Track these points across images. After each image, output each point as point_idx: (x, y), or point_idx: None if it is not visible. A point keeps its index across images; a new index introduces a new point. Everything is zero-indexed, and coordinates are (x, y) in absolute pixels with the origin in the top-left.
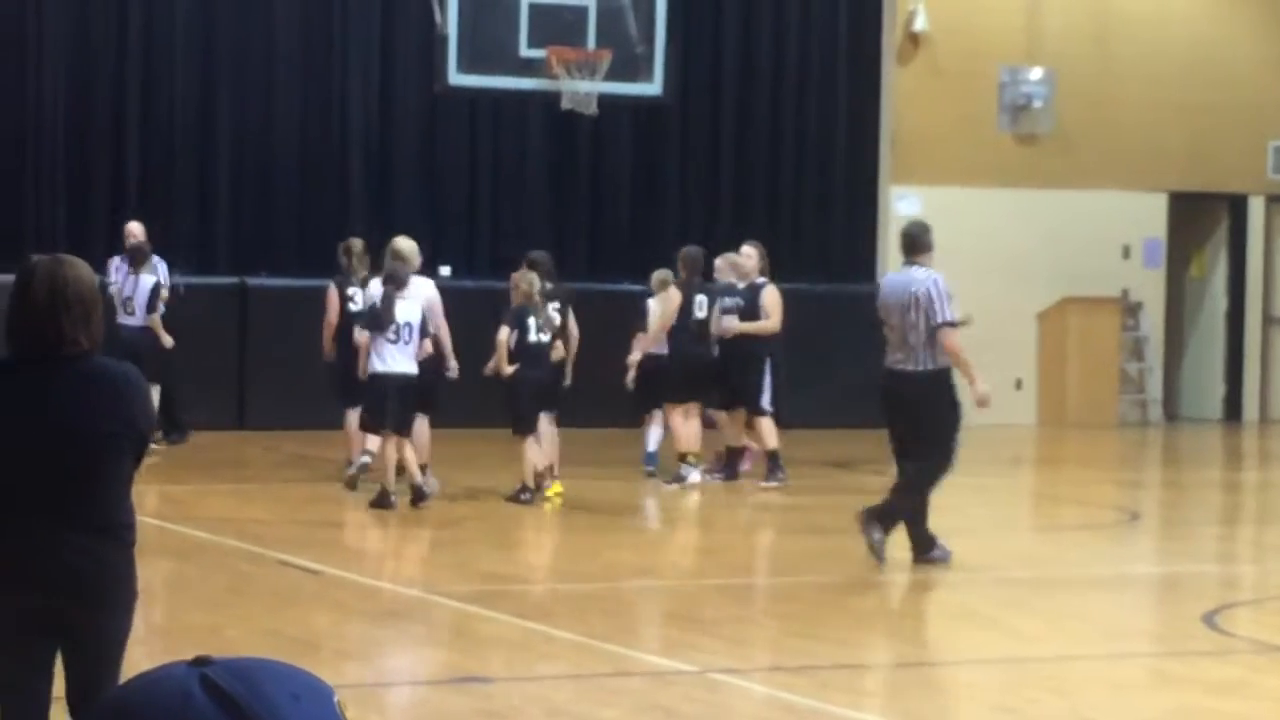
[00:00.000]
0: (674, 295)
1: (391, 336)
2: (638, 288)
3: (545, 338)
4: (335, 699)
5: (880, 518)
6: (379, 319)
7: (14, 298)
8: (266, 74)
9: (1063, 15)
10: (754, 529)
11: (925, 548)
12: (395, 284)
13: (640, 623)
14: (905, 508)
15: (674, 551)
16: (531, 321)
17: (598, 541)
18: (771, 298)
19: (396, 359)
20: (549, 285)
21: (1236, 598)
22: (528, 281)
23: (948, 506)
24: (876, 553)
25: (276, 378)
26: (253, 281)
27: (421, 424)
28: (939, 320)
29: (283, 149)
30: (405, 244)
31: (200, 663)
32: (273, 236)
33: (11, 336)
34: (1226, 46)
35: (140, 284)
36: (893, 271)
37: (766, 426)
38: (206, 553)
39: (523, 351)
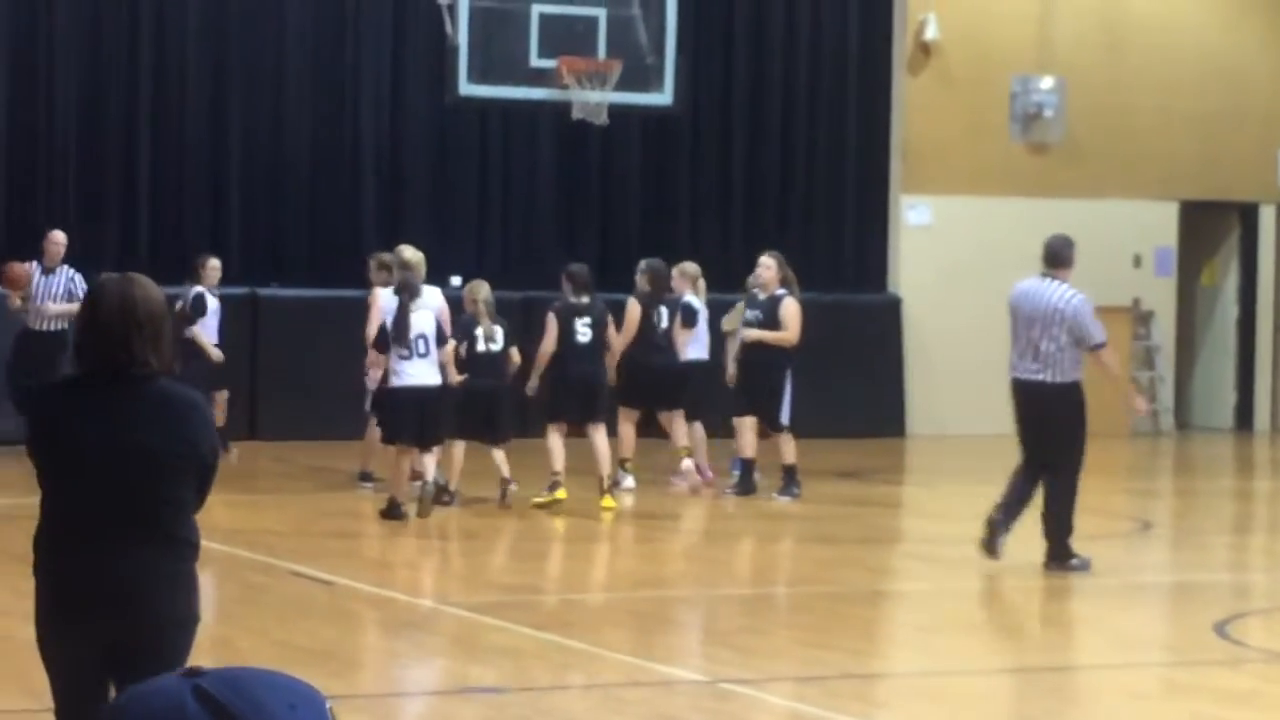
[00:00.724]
0: (633, 307)
1: (404, 352)
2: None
3: (495, 347)
4: (328, 706)
5: (1051, 534)
6: (396, 333)
7: (83, 317)
8: (278, 85)
9: (1074, 24)
10: (764, 539)
11: (1066, 556)
12: (409, 294)
13: (651, 633)
14: (1066, 515)
15: (685, 561)
16: (479, 332)
17: (609, 551)
18: (790, 309)
19: (415, 372)
20: (584, 299)
21: (1248, 607)
22: (473, 291)
23: (960, 515)
24: (993, 551)
25: (288, 389)
26: (263, 292)
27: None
28: (1093, 343)
29: (294, 160)
30: (412, 253)
31: (192, 674)
32: (284, 247)
33: (81, 355)
34: (1237, 55)
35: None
36: (1027, 281)
37: (786, 441)
38: (218, 563)
39: (472, 361)
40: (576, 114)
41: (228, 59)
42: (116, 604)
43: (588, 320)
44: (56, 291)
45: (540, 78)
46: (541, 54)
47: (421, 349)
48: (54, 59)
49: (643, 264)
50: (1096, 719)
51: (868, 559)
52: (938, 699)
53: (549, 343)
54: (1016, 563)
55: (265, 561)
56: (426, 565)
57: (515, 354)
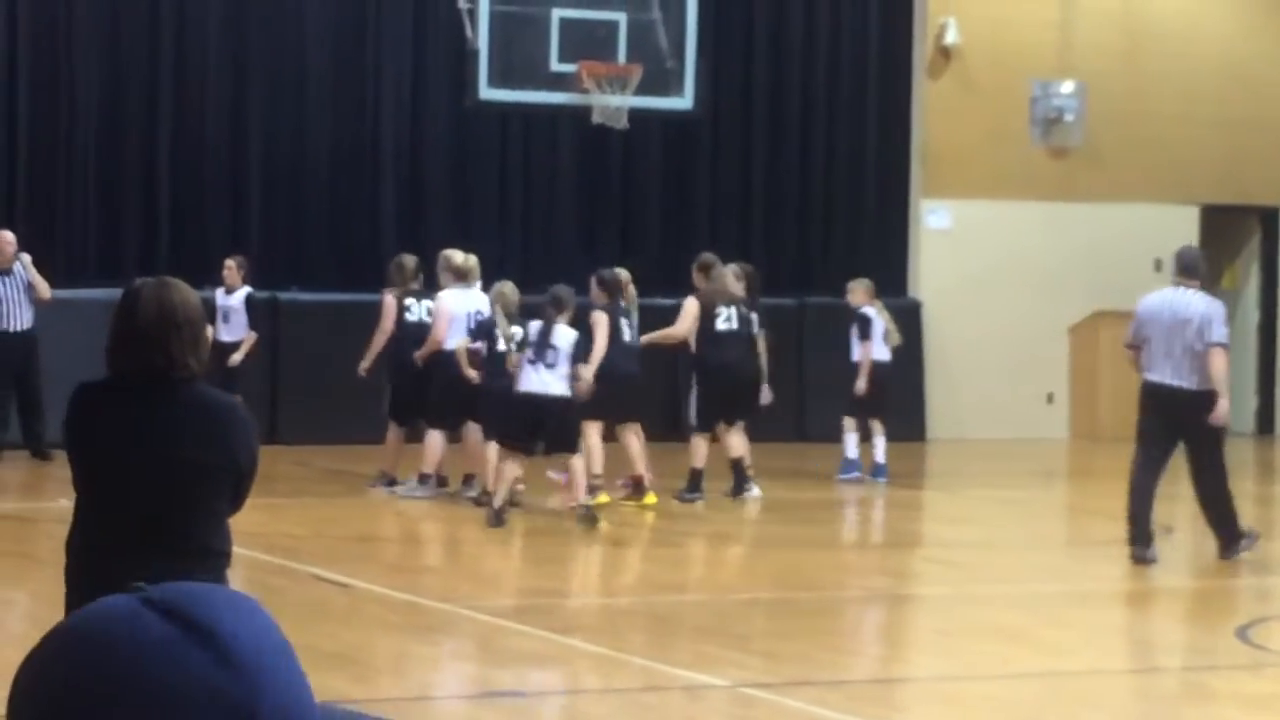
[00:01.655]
0: (600, 318)
1: (534, 359)
2: (669, 301)
3: (514, 348)
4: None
5: (1221, 523)
6: (538, 341)
7: (119, 321)
8: (298, 89)
9: (1094, 29)
10: (783, 544)
11: (1237, 538)
12: (557, 309)
13: (673, 637)
14: (1228, 505)
15: (705, 566)
16: (499, 332)
17: (630, 556)
18: (684, 306)
19: (548, 381)
20: (622, 303)
21: (1270, 612)
22: (497, 293)
23: (980, 519)
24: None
25: (308, 392)
26: (284, 296)
27: (474, 432)
28: (1212, 339)
29: (314, 163)
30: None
31: (136, 590)
32: (304, 251)
33: (116, 359)
34: (1258, 60)
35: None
36: (1160, 293)
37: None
38: (237, 566)
39: (492, 361)
40: (596, 118)
41: (248, 62)
42: None
43: (629, 322)
44: (18, 293)
45: (560, 82)
46: (562, 58)
47: (550, 359)
48: (74, 60)
49: (605, 274)
50: None
51: (888, 563)
52: (958, 704)
53: (602, 343)
54: (1033, 568)
55: (285, 565)
56: (447, 569)
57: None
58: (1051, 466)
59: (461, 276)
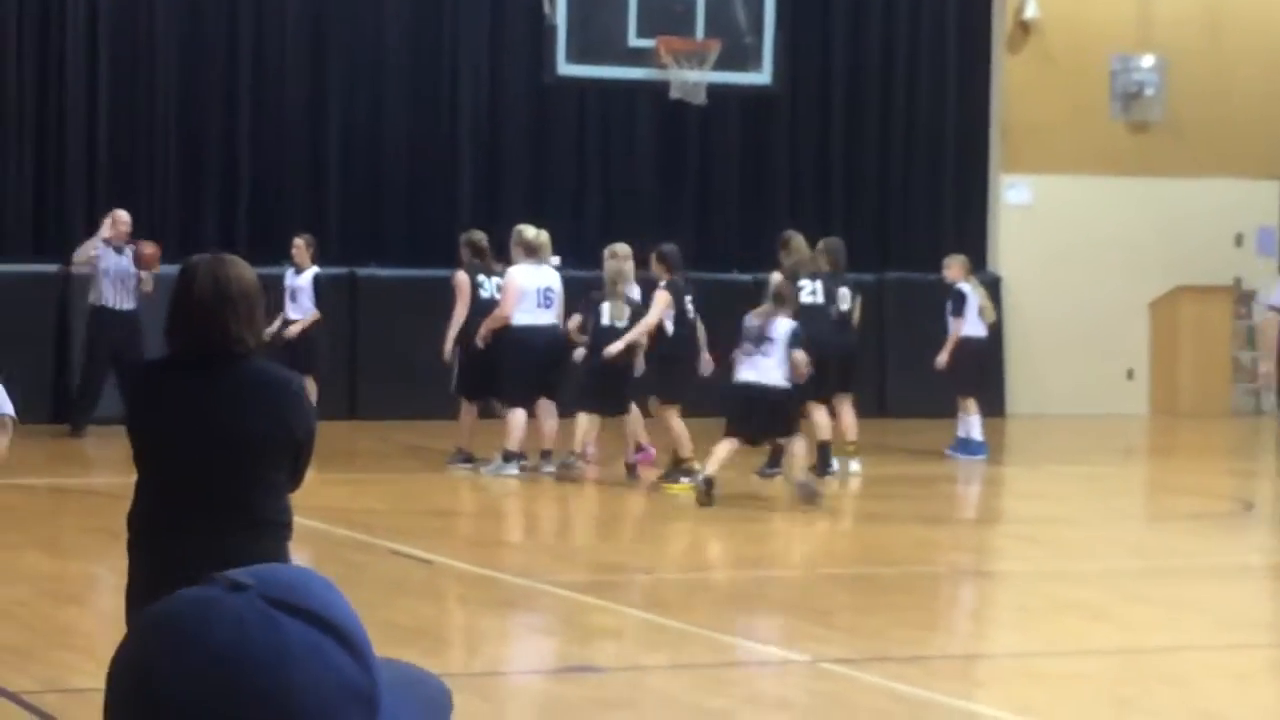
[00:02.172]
0: (662, 295)
1: (758, 350)
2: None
3: (620, 324)
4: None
5: None
6: (759, 339)
7: (176, 297)
8: (377, 66)
9: (1174, 3)
10: (862, 519)
11: None
12: (778, 304)
13: (751, 612)
14: None
15: (784, 541)
16: (606, 308)
17: (709, 531)
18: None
19: (765, 369)
20: (677, 278)
21: None
22: (608, 268)
23: (1060, 495)
24: None
25: (387, 368)
26: (362, 272)
27: (548, 408)
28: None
29: (392, 140)
30: (534, 233)
31: (236, 586)
32: (382, 227)
33: (174, 336)
34: None
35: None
36: None
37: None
38: (318, 542)
39: (597, 336)
40: (674, 94)
41: (326, 40)
42: None
43: (690, 298)
44: (126, 274)
45: (639, 57)
46: (640, 34)
47: (767, 350)
48: (154, 40)
49: (659, 250)
50: (1201, 700)
51: (969, 539)
52: (1038, 680)
53: (655, 318)
54: (1113, 545)
55: (365, 540)
56: (526, 544)
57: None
58: (1131, 442)
59: (532, 252)
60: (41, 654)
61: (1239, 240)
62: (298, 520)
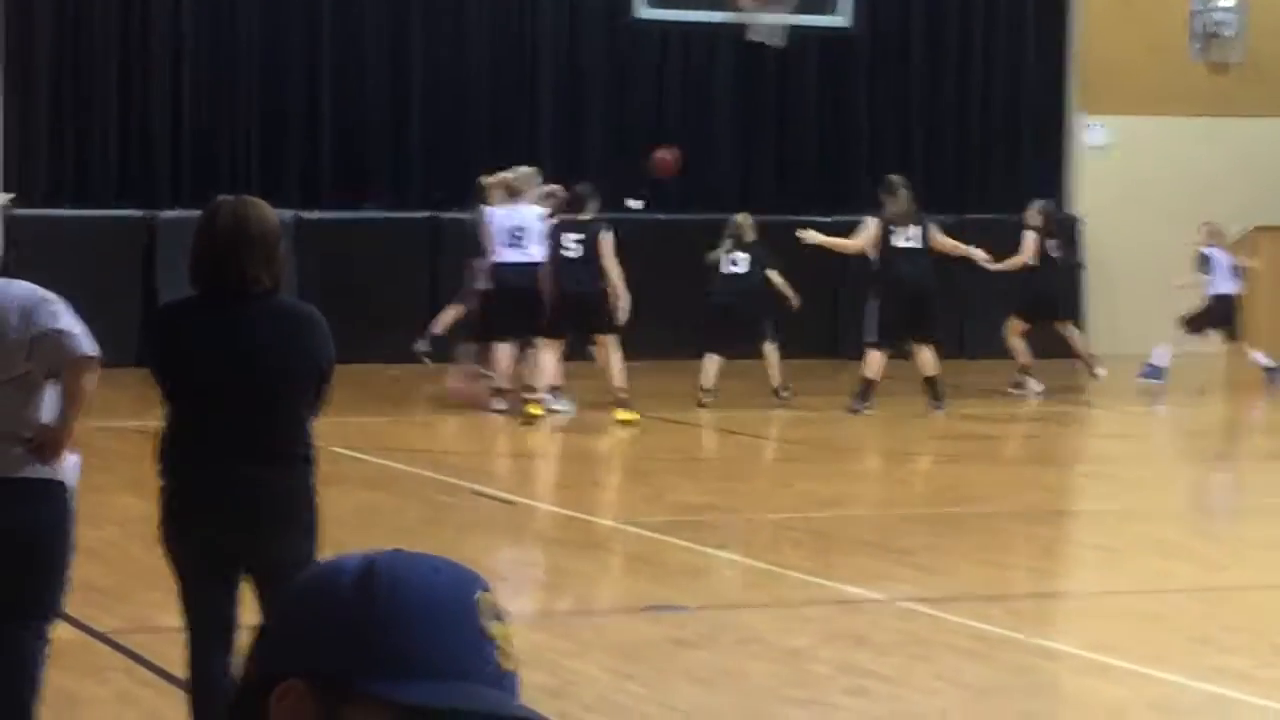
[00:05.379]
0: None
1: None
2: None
3: (737, 269)
4: (477, 594)
5: None
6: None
7: (198, 237)
8: (458, 8)
9: None
10: (940, 459)
11: None
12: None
13: (831, 552)
14: None
15: (863, 481)
16: (722, 254)
17: (789, 471)
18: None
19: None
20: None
21: None
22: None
23: (1138, 434)
24: None
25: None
26: (445, 216)
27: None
28: None
29: (474, 84)
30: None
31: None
32: (465, 171)
33: (196, 274)
34: None
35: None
36: None
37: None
38: (401, 483)
39: (721, 281)
40: (753, 36)
41: None
42: (236, 520)
43: (912, 231)
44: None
45: (718, 0)
46: None
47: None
48: None
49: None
50: (1275, 638)
51: (1047, 478)
52: (1120, 619)
53: (861, 242)
54: (1193, 484)
55: (448, 481)
56: (608, 485)
57: (776, 277)
58: (1208, 382)
59: (514, 194)
60: (129, 594)
61: None
62: (382, 462)
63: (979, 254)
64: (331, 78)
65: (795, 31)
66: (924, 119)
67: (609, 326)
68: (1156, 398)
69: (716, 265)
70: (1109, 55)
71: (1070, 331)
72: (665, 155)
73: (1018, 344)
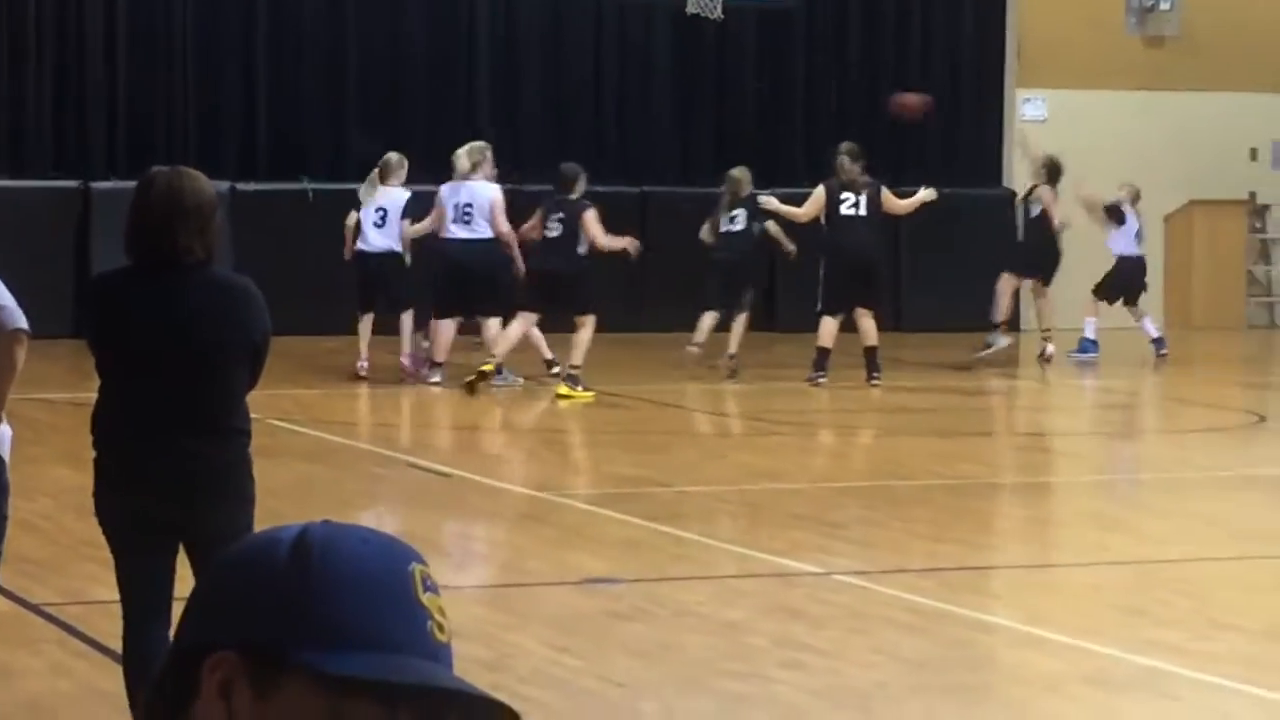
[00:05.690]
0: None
1: None
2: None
3: (736, 227)
4: (412, 566)
5: None
6: None
7: (133, 207)
8: None
9: None
10: (876, 433)
11: None
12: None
13: (767, 525)
14: None
15: (799, 455)
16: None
17: (724, 444)
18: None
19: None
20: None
21: None
22: (732, 180)
23: (1075, 408)
24: None
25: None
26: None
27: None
28: None
29: (410, 57)
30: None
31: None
32: (401, 143)
33: (131, 245)
34: None
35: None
36: None
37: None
38: (338, 455)
39: (720, 239)
40: (691, 8)
41: None
42: (171, 491)
43: (856, 198)
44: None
45: None
46: None
47: None
48: None
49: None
50: (1213, 611)
51: (983, 452)
52: (1053, 591)
53: (810, 210)
54: (1126, 457)
55: (384, 454)
56: (544, 458)
57: (772, 227)
58: (1146, 355)
59: (460, 173)
60: (63, 566)
61: (1254, 154)
62: (318, 434)
63: (929, 194)
64: (267, 50)
65: (733, 5)
66: (862, 93)
67: (586, 307)
68: (1092, 370)
69: (716, 227)
70: (1046, 30)
71: (1043, 298)
72: (910, 99)
73: (1006, 300)
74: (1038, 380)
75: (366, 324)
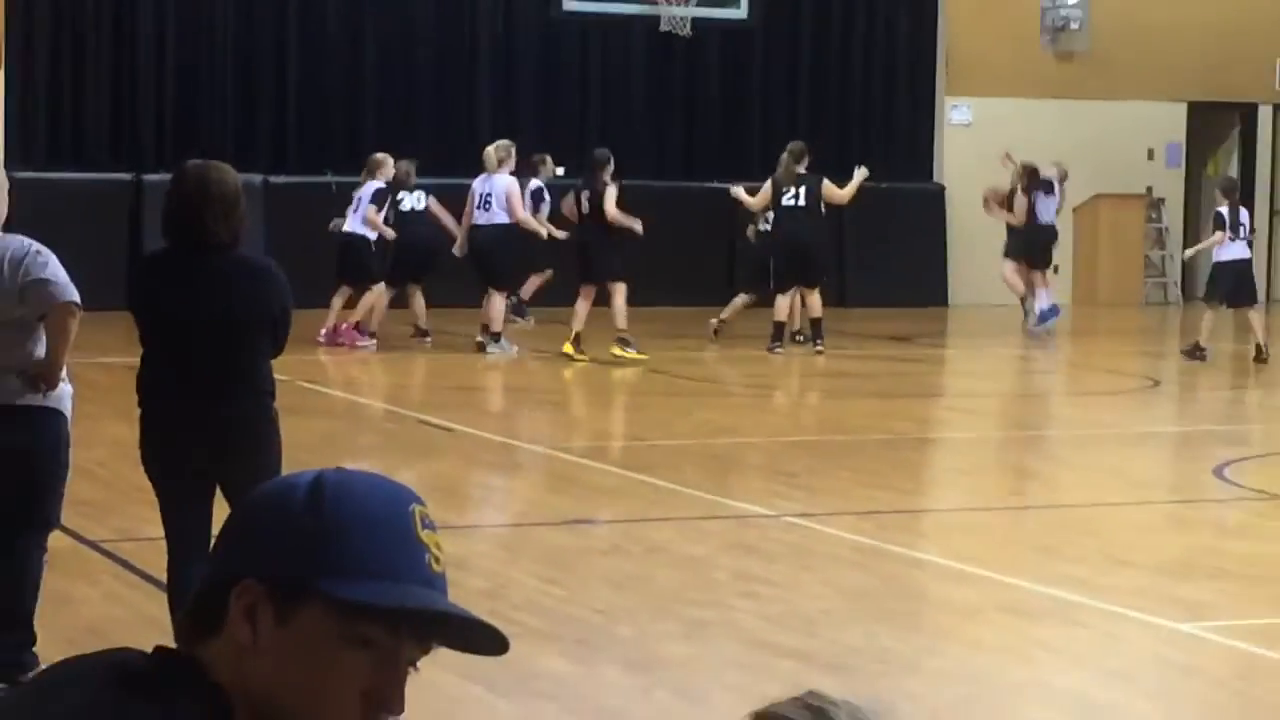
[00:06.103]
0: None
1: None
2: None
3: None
4: (412, 507)
5: None
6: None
7: (169, 196)
8: (405, 5)
9: None
10: (826, 395)
11: None
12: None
13: (727, 474)
14: None
15: (757, 413)
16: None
17: (691, 404)
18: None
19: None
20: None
21: (1244, 453)
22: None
23: (995, 374)
24: None
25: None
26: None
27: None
28: None
29: (421, 70)
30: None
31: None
32: (414, 140)
33: (166, 228)
34: None
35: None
36: None
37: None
38: (355, 413)
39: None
40: (664, 26)
41: None
42: (205, 441)
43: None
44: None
45: None
46: None
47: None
48: None
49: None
50: (1113, 549)
51: (916, 411)
52: (974, 531)
53: (759, 201)
54: (1040, 416)
55: (396, 411)
56: (537, 415)
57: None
58: (1057, 328)
59: (489, 167)
60: (117, 508)
61: (1150, 155)
62: (338, 394)
63: (862, 174)
64: (298, 58)
65: (699, 23)
66: (811, 100)
67: (617, 275)
68: (1016, 340)
69: (767, 208)
70: (971, 44)
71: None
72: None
73: (1015, 280)
74: (964, 349)
75: (339, 296)
